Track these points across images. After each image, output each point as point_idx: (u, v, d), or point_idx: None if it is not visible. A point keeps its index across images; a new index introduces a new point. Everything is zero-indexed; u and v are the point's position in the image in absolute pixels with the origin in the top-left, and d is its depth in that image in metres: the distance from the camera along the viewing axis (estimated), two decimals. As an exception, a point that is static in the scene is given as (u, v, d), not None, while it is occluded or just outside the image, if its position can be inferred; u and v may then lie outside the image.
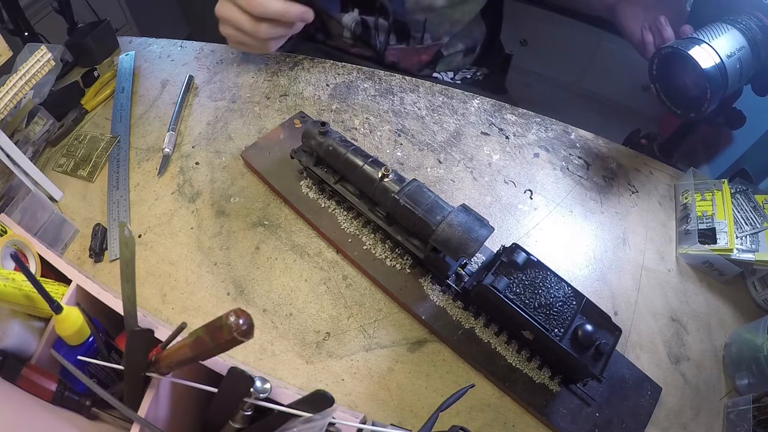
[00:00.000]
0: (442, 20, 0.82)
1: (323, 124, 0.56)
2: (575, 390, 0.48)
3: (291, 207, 0.62)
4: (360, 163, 0.53)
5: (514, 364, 0.49)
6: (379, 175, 0.51)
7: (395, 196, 0.49)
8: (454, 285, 0.51)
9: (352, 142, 0.57)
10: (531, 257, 0.47)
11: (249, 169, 0.66)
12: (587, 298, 0.45)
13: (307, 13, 0.65)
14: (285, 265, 0.58)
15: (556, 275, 0.46)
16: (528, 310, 0.44)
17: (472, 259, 0.53)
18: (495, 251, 0.52)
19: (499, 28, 0.95)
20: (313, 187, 0.61)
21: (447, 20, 0.83)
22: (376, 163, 0.53)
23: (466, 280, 0.51)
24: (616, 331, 0.44)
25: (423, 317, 0.51)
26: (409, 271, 0.55)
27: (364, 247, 0.57)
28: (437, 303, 0.52)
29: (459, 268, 0.51)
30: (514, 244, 0.48)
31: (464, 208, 0.48)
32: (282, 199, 0.63)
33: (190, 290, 0.57)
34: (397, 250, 0.56)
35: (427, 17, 0.81)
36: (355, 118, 0.72)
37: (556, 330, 0.43)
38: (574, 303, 0.45)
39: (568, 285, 0.46)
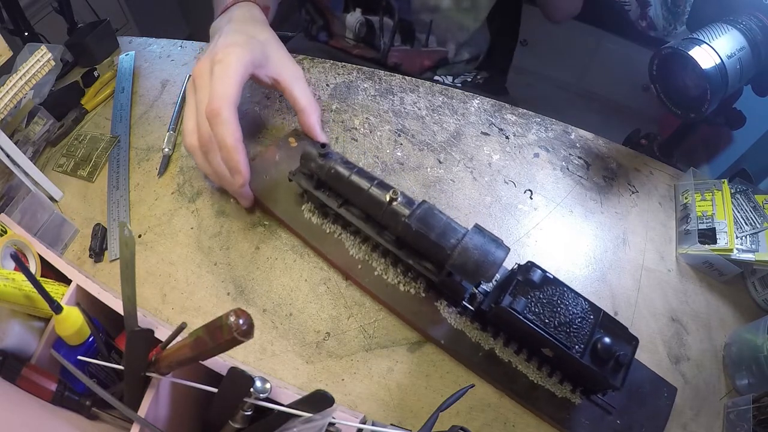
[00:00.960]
0: (448, 24, 0.82)
1: (323, 145, 0.53)
2: (596, 400, 0.47)
3: (294, 233, 0.59)
4: (366, 186, 0.50)
5: (535, 381, 0.48)
6: (387, 199, 0.48)
7: (406, 221, 0.47)
8: (470, 306, 0.50)
9: (355, 164, 0.54)
10: (547, 274, 0.45)
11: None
12: (604, 311, 0.45)
13: (245, 198, 0.58)
14: (285, 265, 0.58)
15: (572, 291, 0.45)
16: (549, 329, 0.43)
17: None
18: (509, 268, 0.51)
19: (502, 34, 0.95)
20: (316, 211, 0.59)
21: (453, 24, 0.82)
22: (383, 186, 0.50)
23: (482, 300, 0.50)
24: (633, 341, 0.44)
25: (442, 342, 0.50)
26: (423, 295, 0.53)
27: (375, 273, 0.54)
28: (455, 326, 0.51)
29: (473, 288, 0.51)
30: (529, 262, 0.46)
31: (478, 229, 0.46)
32: (284, 225, 0.60)
33: (190, 290, 0.57)
34: (409, 273, 0.54)
35: (433, 18, 0.81)
36: (355, 118, 0.72)
37: (576, 347, 0.42)
38: (592, 317, 0.44)
39: (585, 299, 0.45)
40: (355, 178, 0.51)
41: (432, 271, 0.49)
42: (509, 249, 0.45)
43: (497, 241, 0.45)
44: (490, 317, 0.48)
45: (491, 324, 0.50)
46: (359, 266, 0.55)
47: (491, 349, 0.50)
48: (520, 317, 0.43)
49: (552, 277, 0.46)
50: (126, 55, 0.83)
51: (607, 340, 0.42)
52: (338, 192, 0.54)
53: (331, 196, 0.55)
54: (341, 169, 0.52)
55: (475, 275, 0.44)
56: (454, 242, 0.45)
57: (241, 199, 0.60)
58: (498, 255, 0.43)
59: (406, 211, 0.48)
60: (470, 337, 0.50)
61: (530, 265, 0.46)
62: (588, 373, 0.43)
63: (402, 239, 0.50)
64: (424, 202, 0.49)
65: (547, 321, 0.43)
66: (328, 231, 0.57)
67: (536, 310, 0.44)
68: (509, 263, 0.50)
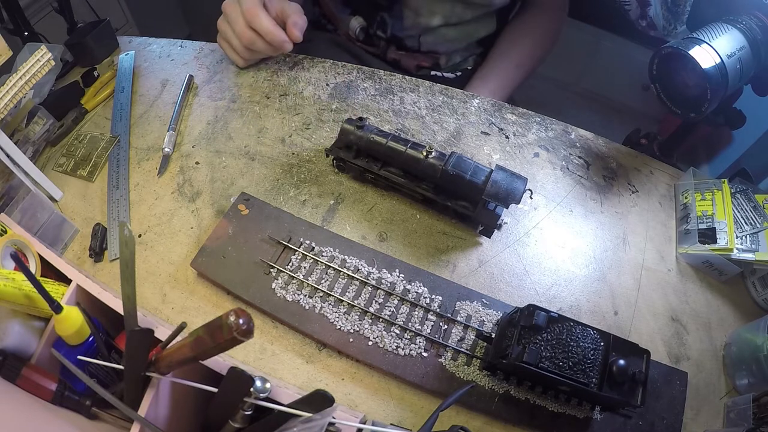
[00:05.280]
0: (436, 38, 0.86)
1: (361, 119, 0.60)
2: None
3: (270, 317, 0.54)
4: (402, 148, 0.58)
5: (556, 411, 0.47)
6: (424, 154, 0.56)
7: (444, 167, 0.55)
8: (475, 355, 0.50)
9: (387, 132, 0.61)
10: (551, 314, 0.45)
11: (205, 279, 0.57)
12: (613, 335, 0.44)
13: (287, 45, 0.70)
14: (285, 265, 0.58)
15: (578, 323, 0.44)
16: (564, 372, 0.42)
17: (487, 319, 0.52)
18: (513, 306, 0.51)
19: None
20: (288, 287, 0.54)
21: (442, 38, 0.86)
22: (417, 145, 0.58)
23: (488, 352, 0.49)
24: (644, 354, 0.44)
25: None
26: (425, 354, 0.50)
27: (370, 343, 0.51)
28: (465, 378, 0.49)
29: (479, 337, 0.51)
30: (530, 305, 0.45)
31: (499, 167, 0.55)
32: (256, 309, 0.54)
33: (190, 290, 0.57)
34: (406, 334, 0.51)
35: (422, 34, 0.85)
36: (355, 118, 0.72)
37: (593, 380, 0.42)
38: (602, 344, 0.43)
39: (593, 329, 0.44)
40: (392, 143, 0.59)
41: (468, 208, 0.57)
42: (527, 179, 0.54)
43: (516, 174, 0.55)
44: (501, 366, 0.48)
45: (501, 369, 0.49)
46: (351, 339, 0.51)
47: (506, 392, 0.48)
48: (534, 369, 0.42)
49: (556, 315, 0.44)
50: (126, 54, 0.83)
51: (621, 362, 0.42)
52: (377, 157, 0.61)
53: (370, 162, 0.61)
54: (379, 137, 0.59)
55: (506, 200, 0.53)
56: (484, 178, 0.55)
57: (285, 45, 0.70)
58: (519, 184, 0.54)
59: (442, 161, 0.56)
60: (483, 384, 0.49)
61: (532, 309, 0.45)
62: (608, 399, 0.43)
63: (440, 186, 0.58)
64: (453, 152, 0.57)
65: (561, 364, 0.42)
66: (307, 307, 0.53)
67: (547, 354, 0.43)
68: (514, 295, 0.49)
